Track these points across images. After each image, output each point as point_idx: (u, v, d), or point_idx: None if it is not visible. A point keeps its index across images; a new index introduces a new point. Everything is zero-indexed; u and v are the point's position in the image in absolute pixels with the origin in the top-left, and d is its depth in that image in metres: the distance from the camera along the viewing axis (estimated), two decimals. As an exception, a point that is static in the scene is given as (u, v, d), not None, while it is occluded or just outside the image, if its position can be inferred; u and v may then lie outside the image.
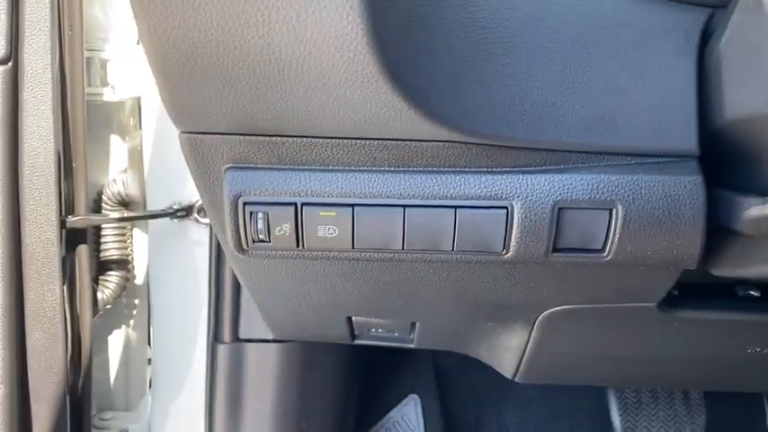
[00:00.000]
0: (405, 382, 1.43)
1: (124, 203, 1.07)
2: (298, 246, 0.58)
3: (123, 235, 1.09)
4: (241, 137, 0.53)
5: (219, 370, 1.04)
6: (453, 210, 0.56)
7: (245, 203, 0.56)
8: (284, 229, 0.57)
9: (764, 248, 0.58)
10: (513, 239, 0.57)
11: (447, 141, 0.53)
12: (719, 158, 0.58)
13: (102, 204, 1.06)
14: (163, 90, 0.49)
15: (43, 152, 0.86)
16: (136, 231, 1.13)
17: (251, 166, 0.56)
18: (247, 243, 0.58)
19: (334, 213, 0.56)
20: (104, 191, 1.06)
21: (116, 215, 1.01)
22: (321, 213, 0.56)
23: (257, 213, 0.56)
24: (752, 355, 0.78)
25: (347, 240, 0.57)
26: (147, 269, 1.11)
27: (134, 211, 1.07)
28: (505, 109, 0.52)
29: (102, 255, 1.07)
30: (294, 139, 0.53)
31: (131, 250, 1.11)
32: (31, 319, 0.90)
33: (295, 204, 0.56)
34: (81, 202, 0.95)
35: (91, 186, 1.03)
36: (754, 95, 0.49)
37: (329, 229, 0.57)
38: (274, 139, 0.53)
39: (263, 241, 0.58)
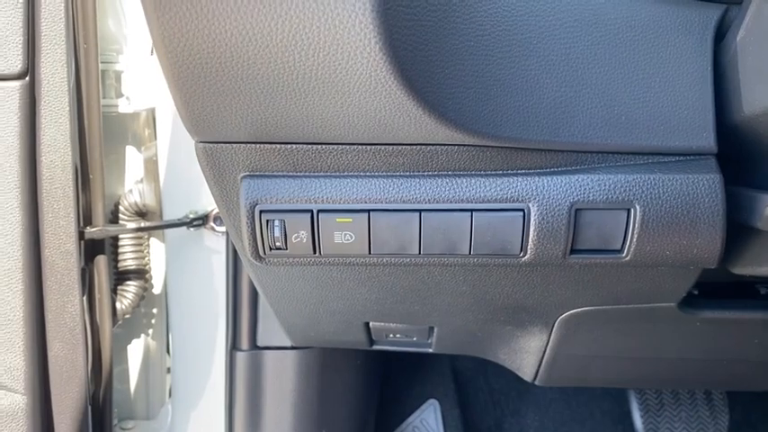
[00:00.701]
0: (424, 388, 1.42)
1: (141, 213, 1.07)
2: (315, 252, 0.58)
3: (141, 245, 1.09)
4: (257, 145, 0.54)
5: (238, 377, 1.05)
6: (469, 213, 0.56)
7: (261, 211, 0.56)
8: (301, 236, 0.57)
9: None
10: (530, 241, 0.56)
11: (462, 145, 0.53)
12: (738, 155, 0.58)
13: (120, 215, 1.07)
14: (178, 100, 0.49)
15: (61, 165, 0.87)
16: (153, 241, 1.14)
17: (267, 174, 0.56)
18: (264, 251, 0.58)
19: (350, 219, 0.56)
20: (121, 201, 1.07)
21: (133, 225, 1.02)
22: (338, 220, 0.56)
23: (274, 221, 0.56)
24: None
25: (364, 246, 0.57)
26: (165, 278, 1.12)
27: (151, 220, 1.07)
28: (520, 111, 0.52)
29: (120, 265, 1.08)
30: (310, 146, 0.54)
31: (149, 260, 1.12)
32: (52, 330, 0.91)
33: (311, 211, 0.56)
34: (99, 213, 0.96)
35: (108, 197, 1.04)
36: None
37: (346, 234, 0.57)
38: (290, 146, 0.54)
39: (280, 248, 0.58)
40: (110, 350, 1.00)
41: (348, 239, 0.57)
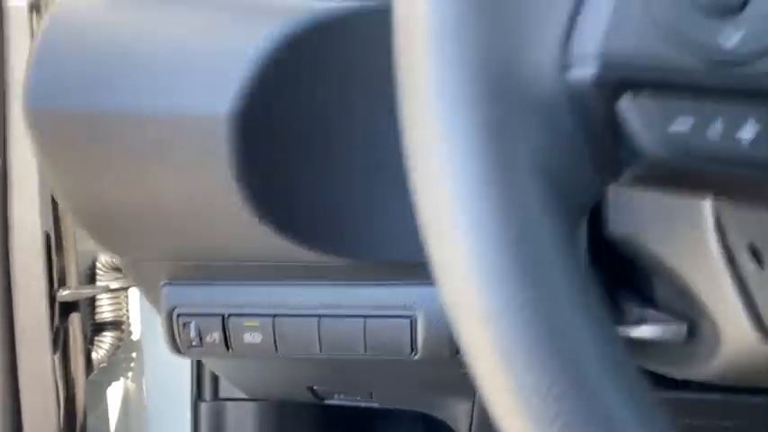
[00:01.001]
0: (392, 426, 1.47)
1: (118, 268, 1.15)
2: (227, 350, 0.64)
3: (117, 297, 1.17)
4: (171, 261, 0.60)
5: (203, 427, 1.11)
6: (363, 319, 0.62)
7: (178, 315, 0.63)
8: (214, 336, 0.63)
9: None
10: (419, 344, 0.62)
11: (340, 265, 0.59)
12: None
13: (97, 271, 1.15)
14: (89, 235, 0.56)
15: (31, 233, 0.95)
16: (131, 290, 1.21)
17: (183, 282, 0.62)
18: (183, 347, 0.65)
19: (257, 323, 0.62)
20: (98, 258, 1.15)
21: (106, 284, 1.09)
22: (245, 323, 0.62)
23: (190, 323, 0.63)
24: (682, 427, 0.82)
25: (270, 346, 0.63)
26: (141, 328, 1.20)
27: (126, 276, 1.15)
28: (393, 235, 0.57)
29: (97, 317, 1.15)
30: (214, 261, 0.60)
31: (126, 311, 1.20)
32: (26, 386, 0.99)
33: (222, 315, 0.62)
34: (72, 275, 1.04)
35: (86, 254, 1.12)
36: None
37: (254, 336, 0.63)
38: (197, 262, 0.60)
39: (196, 346, 0.64)
40: (83, 400, 1.08)
41: (256, 340, 0.63)
